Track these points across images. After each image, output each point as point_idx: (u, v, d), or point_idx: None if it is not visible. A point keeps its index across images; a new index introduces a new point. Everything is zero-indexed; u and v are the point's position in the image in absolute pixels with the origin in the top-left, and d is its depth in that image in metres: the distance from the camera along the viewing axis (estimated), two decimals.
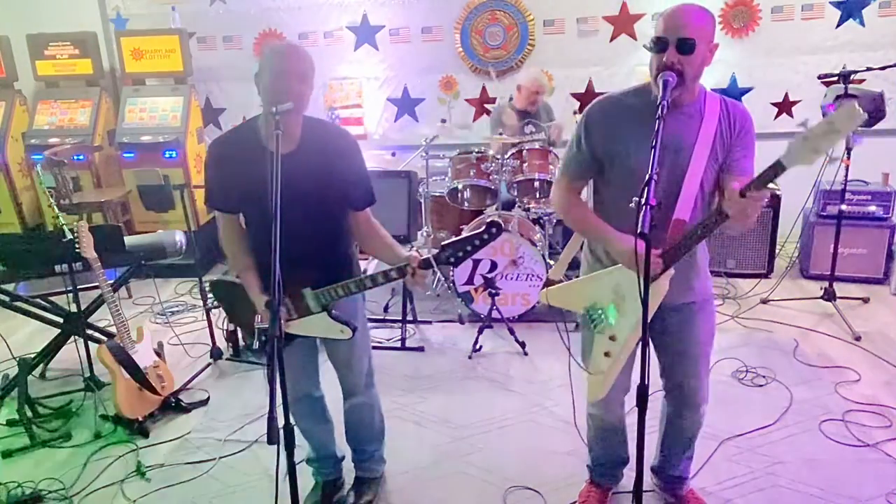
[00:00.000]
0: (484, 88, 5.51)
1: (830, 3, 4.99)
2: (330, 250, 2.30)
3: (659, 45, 1.85)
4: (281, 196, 1.92)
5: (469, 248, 2.02)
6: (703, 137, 1.94)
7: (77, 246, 3.06)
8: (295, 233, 2.10)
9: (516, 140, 4.36)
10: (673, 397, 2.30)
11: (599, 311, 2.12)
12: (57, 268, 3.24)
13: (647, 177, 1.62)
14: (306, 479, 2.71)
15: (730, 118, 1.98)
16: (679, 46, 1.82)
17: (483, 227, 1.95)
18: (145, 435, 3.12)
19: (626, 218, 1.97)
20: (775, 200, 4.56)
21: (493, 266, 4.01)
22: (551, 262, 4.15)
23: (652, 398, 1.81)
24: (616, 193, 2.06)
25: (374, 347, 3.94)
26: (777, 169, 1.70)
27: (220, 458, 2.94)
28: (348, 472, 2.72)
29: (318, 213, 2.21)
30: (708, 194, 2.03)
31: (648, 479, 2.51)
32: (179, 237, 3.79)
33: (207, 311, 3.80)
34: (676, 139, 1.93)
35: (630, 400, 1.92)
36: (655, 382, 2.22)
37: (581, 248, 2.36)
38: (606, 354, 2.13)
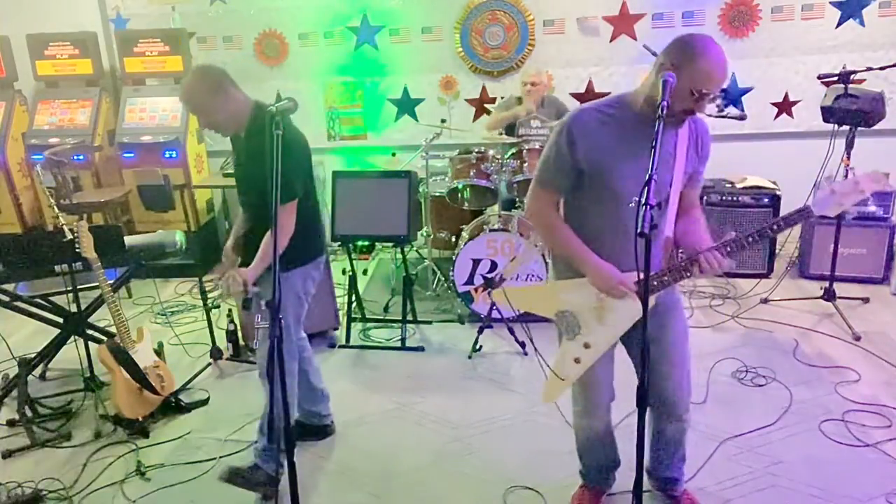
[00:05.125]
0: (484, 88, 5.51)
1: (830, 3, 4.98)
2: (255, 234, 2.55)
3: (707, 97, 1.86)
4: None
5: None
6: (681, 151, 1.99)
7: (77, 246, 3.06)
8: (245, 208, 2.69)
9: (514, 140, 4.36)
10: (653, 405, 2.22)
11: (574, 318, 2.12)
12: (57, 268, 3.23)
13: (646, 177, 1.62)
14: (306, 479, 2.71)
15: (697, 136, 2.04)
16: (715, 97, 1.88)
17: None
18: (145, 435, 3.12)
19: (598, 231, 2.03)
20: (775, 200, 4.56)
21: (493, 266, 4.01)
22: (549, 262, 4.15)
23: None
24: (590, 207, 2.05)
25: (374, 347, 3.97)
26: (806, 214, 1.89)
27: (220, 457, 2.94)
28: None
29: (250, 197, 2.61)
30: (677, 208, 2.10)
31: (645, 480, 2.51)
32: (179, 237, 3.79)
33: (207, 311, 3.80)
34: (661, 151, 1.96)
35: (630, 401, 1.92)
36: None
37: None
38: (576, 361, 2.13)
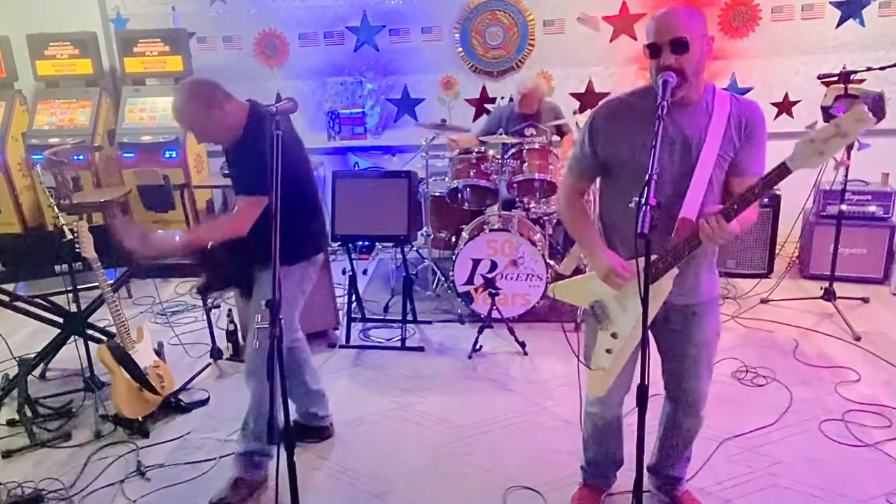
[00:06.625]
0: (484, 88, 5.51)
1: (830, 3, 4.98)
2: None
3: (653, 50, 1.86)
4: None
5: None
6: (713, 134, 1.92)
7: (77, 246, 3.06)
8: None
9: (514, 140, 4.36)
10: (673, 399, 2.30)
11: (603, 308, 2.12)
12: (57, 268, 3.23)
13: (647, 176, 1.62)
14: (305, 479, 2.71)
15: (740, 118, 1.95)
16: (673, 47, 1.83)
17: None
18: (145, 435, 3.12)
19: (621, 216, 2.00)
20: (775, 200, 4.56)
21: (493, 266, 4.01)
22: (551, 263, 4.15)
23: (652, 399, 1.80)
24: (621, 194, 2.04)
25: (374, 347, 3.97)
26: (782, 171, 1.72)
27: (220, 457, 2.94)
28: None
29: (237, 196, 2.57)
30: (718, 193, 2.01)
31: (644, 479, 2.51)
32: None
33: (207, 311, 3.80)
34: (684, 135, 1.92)
35: (630, 400, 1.92)
36: (656, 383, 2.22)
37: None
38: (608, 351, 2.13)
